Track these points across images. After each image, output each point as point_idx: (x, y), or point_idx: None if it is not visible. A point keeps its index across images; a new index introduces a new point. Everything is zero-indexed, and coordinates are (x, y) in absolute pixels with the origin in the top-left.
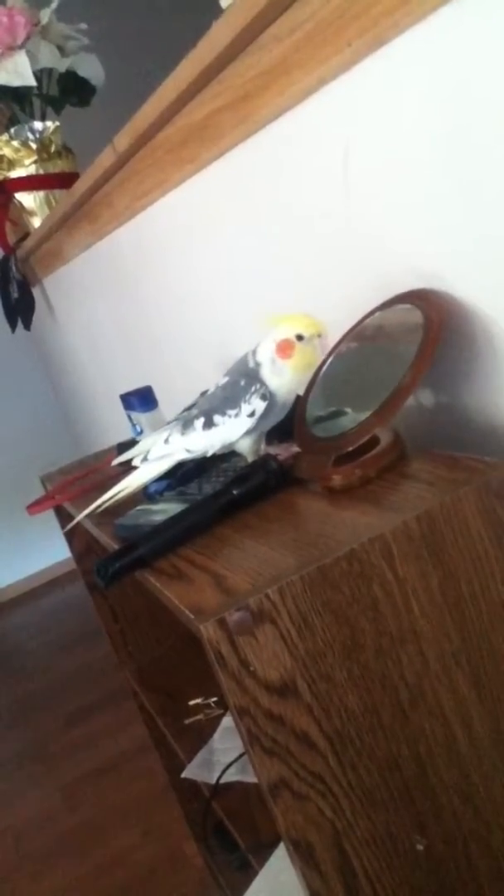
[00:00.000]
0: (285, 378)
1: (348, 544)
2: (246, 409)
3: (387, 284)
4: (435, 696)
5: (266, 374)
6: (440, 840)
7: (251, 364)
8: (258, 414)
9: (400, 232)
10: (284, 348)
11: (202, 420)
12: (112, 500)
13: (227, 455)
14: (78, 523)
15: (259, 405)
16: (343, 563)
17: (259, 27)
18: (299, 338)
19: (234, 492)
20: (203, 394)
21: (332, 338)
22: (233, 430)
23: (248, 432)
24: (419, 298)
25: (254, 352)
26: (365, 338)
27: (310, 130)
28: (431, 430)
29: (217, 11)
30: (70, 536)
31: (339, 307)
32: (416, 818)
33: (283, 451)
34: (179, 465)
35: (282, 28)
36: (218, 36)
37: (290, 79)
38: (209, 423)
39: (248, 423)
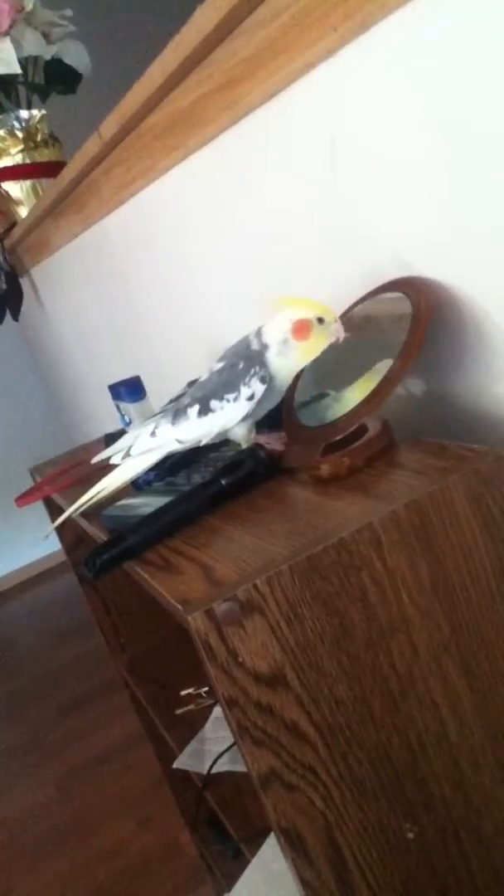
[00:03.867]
0: (291, 359)
1: (337, 534)
2: (245, 392)
3: (375, 272)
4: (425, 685)
5: (272, 355)
6: (431, 828)
7: (255, 346)
8: (257, 397)
9: (388, 219)
10: (301, 329)
11: (196, 407)
12: (94, 500)
13: (217, 444)
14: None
15: (258, 388)
16: (332, 552)
17: (244, 11)
18: (319, 321)
19: (223, 482)
20: (191, 383)
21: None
22: (231, 415)
23: (245, 417)
24: (408, 286)
25: (258, 333)
26: (353, 326)
27: (297, 116)
28: (420, 419)
29: None
30: (60, 528)
31: (328, 294)
32: (406, 807)
33: (272, 440)
34: (168, 456)
35: (267, 12)
36: (202, 21)
37: (276, 64)
38: (205, 410)
39: (247, 406)
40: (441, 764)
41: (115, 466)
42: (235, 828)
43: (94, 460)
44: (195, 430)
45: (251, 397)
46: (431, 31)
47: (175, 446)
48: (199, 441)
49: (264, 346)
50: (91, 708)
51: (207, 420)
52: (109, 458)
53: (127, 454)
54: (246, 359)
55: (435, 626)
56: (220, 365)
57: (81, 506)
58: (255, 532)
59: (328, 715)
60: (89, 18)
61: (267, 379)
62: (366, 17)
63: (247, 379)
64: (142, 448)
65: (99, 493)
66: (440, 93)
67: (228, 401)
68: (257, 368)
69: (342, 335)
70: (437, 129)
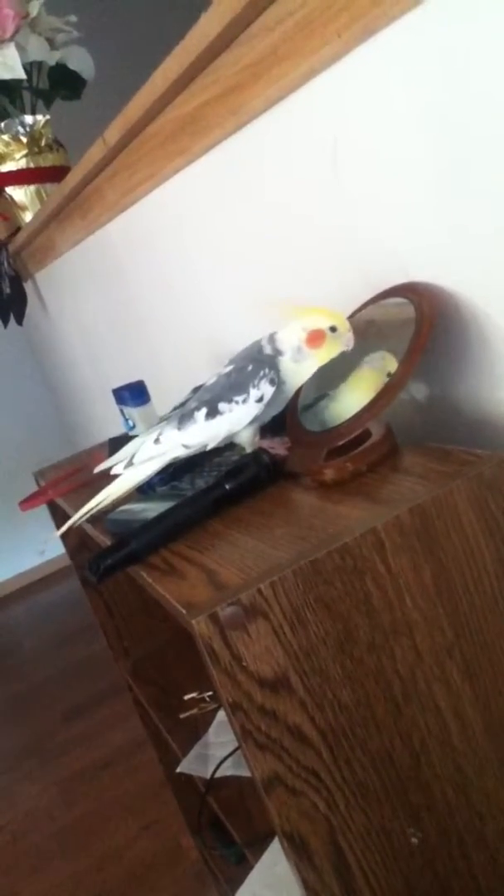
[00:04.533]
0: (304, 367)
1: (340, 538)
2: (254, 394)
3: (377, 275)
4: (428, 689)
5: (285, 360)
6: (434, 832)
7: (267, 351)
8: (266, 399)
9: (390, 222)
10: (315, 338)
11: (204, 410)
12: (97, 509)
13: (220, 449)
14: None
15: (268, 390)
16: (335, 557)
17: (248, 18)
18: (332, 329)
19: (227, 486)
20: (195, 390)
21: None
22: (240, 418)
23: (253, 420)
24: (411, 292)
25: (272, 339)
26: (356, 331)
27: (300, 122)
28: (423, 423)
29: (206, 2)
30: (64, 532)
31: (331, 299)
32: (410, 811)
33: (276, 445)
34: (172, 461)
35: (271, 18)
36: (207, 27)
37: (279, 70)
38: (213, 413)
39: (256, 408)
40: (444, 767)
41: (114, 477)
42: (239, 832)
43: (97, 470)
44: (202, 433)
45: (260, 399)
46: (434, 37)
47: (180, 452)
48: (206, 445)
49: (278, 352)
50: (94, 712)
51: (215, 423)
52: (111, 467)
53: (129, 464)
54: (256, 362)
55: (438, 629)
56: (228, 369)
57: (84, 515)
58: (258, 536)
59: (331, 719)
60: (94, 24)
61: (276, 381)
62: (370, 24)
63: (256, 381)
64: (145, 456)
65: (102, 502)
66: (442, 97)
67: (237, 403)
68: (267, 370)
69: (352, 344)
70: (438, 134)
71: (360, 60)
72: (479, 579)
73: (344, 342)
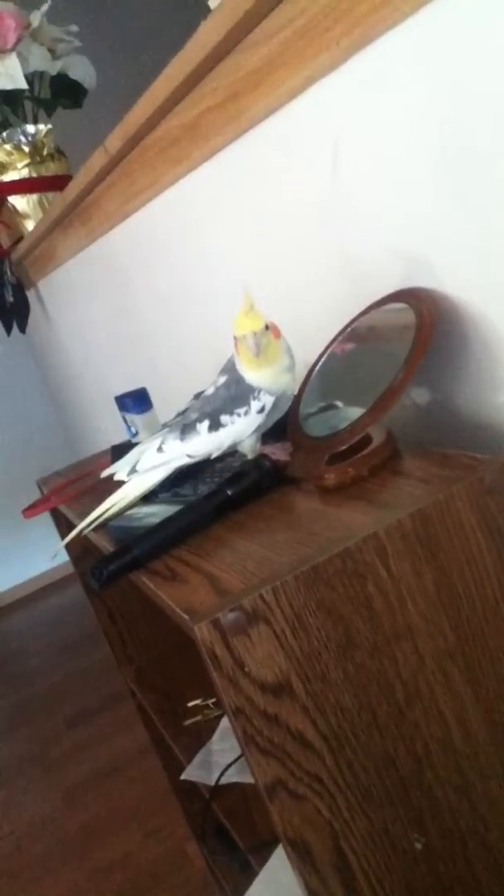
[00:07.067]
0: (260, 373)
1: (342, 543)
2: (255, 405)
3: (379, 281)
4: (430, 693)
5: (241, 369)
6: (437, 837)
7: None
8: (267, 409)
9: (391, 229)
10: (235, 346)
11: (206, 423)
12: (104, 517)
13: (223, 455)
14: (74, 525)
15: (268, 400)
16: (337, 561)
17: (247, 26)
18: (236, 337)
19: (229, 492)
20: (197, 396)
21: (313, 335)
22: (244, 429)
23: (256, 429)
24: (411, 297)
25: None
26: (358, 337)
27: (300, 129)
28: (424, 428)
29: (206, 11)
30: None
31: (332, 304)
32: (413, 816)
33: (277, 450)
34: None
35: (270, 27)
36: (206, 36)
37: (278, 77)
38: (216, 426)
39: (259, 419)
40: (447, 772)
41: (122, 483)
42: (243, 839)
43: (103, 475)
44: (206, 444)
45: (262, 409)
46: (432, 43)
47: (185, 461)
48: (210, 455)
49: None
50: (98, 719)
51: (218, 435)
52: (115, 473)
53: (133, 470)
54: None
55: (440, 633)
56: (224, 378)
57: (91, 523)
58: (260, 542)
59: (334, 723)
60: (95, 33)
61: (273, 391)
62: (368, 31)
63: (256, 392)
64: (149, 464)
65: (108, 509)
66: (441, 103)
67: (239, 415)
68: None
69: (251, 341)
70: (439, 139)
71: (359, 68)
72: (481, 583)
73: (247, 345)
